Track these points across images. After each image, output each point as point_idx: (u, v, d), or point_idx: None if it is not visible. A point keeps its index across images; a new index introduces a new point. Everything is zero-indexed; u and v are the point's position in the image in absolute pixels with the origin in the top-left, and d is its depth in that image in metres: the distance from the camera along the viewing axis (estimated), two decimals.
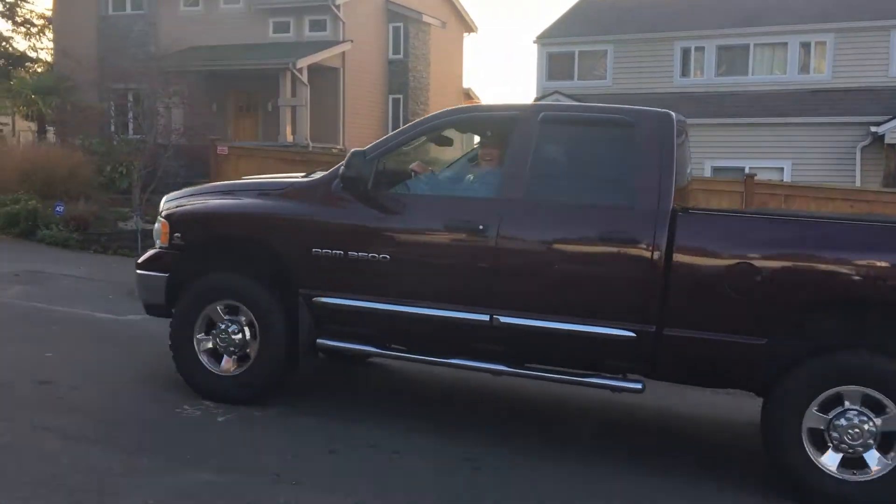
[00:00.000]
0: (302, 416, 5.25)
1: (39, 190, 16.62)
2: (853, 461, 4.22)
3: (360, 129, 24.47)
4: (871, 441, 4.18)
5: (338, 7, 23.38)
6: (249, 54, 22.79)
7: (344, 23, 23.67)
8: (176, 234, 5.51)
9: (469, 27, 31.06)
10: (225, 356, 5.35)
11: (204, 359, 5.38)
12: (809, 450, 4.28)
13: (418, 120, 5.74)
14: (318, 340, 5.20)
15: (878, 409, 4.17)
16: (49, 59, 26.95)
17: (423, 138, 5.74)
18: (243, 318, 5.30)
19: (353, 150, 5.10)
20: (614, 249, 4.61)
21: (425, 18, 26.75)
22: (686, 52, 21.70)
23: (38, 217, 15.15)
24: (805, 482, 4.29)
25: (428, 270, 4.96)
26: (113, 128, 23.50)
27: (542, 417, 5.82)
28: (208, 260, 5.55)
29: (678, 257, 4.48)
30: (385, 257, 4.96)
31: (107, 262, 13.32)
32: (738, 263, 4.40)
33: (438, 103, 27.81)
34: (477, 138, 5.86)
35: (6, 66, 25.95)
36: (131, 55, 23.60)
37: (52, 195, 16.48)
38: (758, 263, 4.36)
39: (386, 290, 4.97)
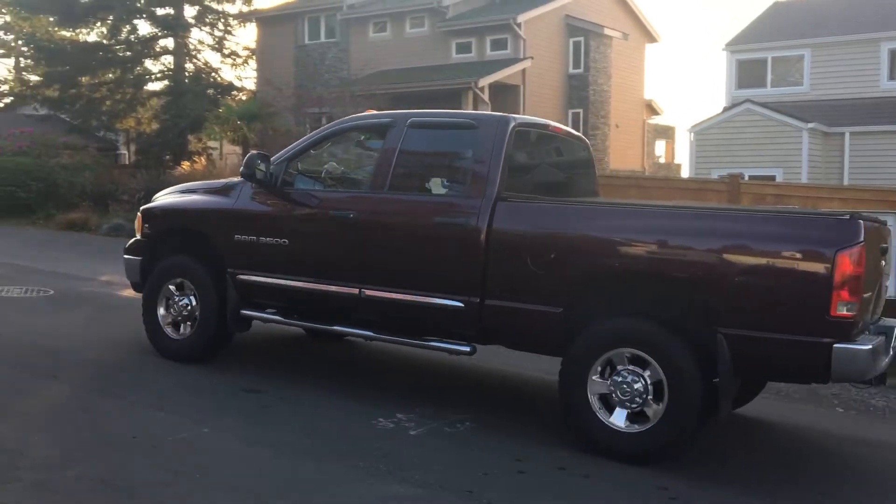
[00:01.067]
0: (490, 431, 5.29)
1: None
2: (635, 415, 4.83)
3: None
4: (646, 394, 4.77)
5: (519, 25, 23.59)
6: (433, 76, 23.48)
7: (525, 40, 23.83)
8: (146, 226, 6.93)
9: (651, 37, 30.30)
10: (182, 324, 6.60)
11: (167, 328, 6.66)
12: (596, 409, 4.92)
13: (317, 130, 6.69)
14: (242, 311, 6.30)
15: (645, 365, 4.78)
16: (252, 87, 29.10)
17: (328, 144, 6.61)
18: (191, 294, 6.53)
19: (251, 152, 6.30)
20: (450, 233, 5.50)
21: (606, 31, 26.39)
22: (894, 54, 19.98)
23: None
24: (594, 438, 4.93)
25: (313, 252, 6.05)
26: None
27: (724, 445, 5.51)
28: (166, 246, 6.82)
29: (494, 238, 5.29)
30: (284, 241, 6.10)
31: None
32: (536, 243, 5.23)
33: (620, 116, 27.31)
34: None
35: (215, 95, 28.27)
36: (325, 81, 25.06)
37: None
38: (551, 243, 5.16)
39: (286, 268, 6.11)
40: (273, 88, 23.57)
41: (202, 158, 27.34)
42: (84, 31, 28.68)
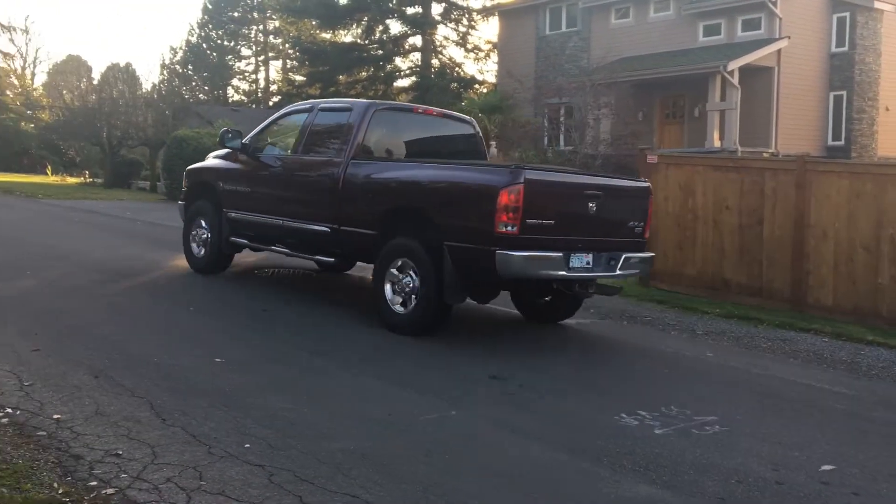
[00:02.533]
0: (741, 436, 5.00)
1: None
2: (405, 302, 7.13)
3: (794, 131, 22.71)
4: (412, 288, 7.02)
5: (774, 3, 21.99)
6: (678, 60, 22.58)
7: (780, 19, 22.18)
8: (185, 181, 10.32)
9: None
10: (202, 247, 9.67)
11: (194, 248, 9.80)
12: (389, 299, 7.23)
13: (272, 115, 9.94)
14: (231, 238, 9.27)
15: (410, 269, 7.04)
16: (493, 80, 29.75)
17: (278, 123, 9.47)
18: (206, 226, 9.59)
19: (222, 129, 9.97)
20: (324, 181, 8.10)
21: (877, 4, 23.82)
22: None
23: None
24: (387, 317, 7.28)
25: (260, 196, 8.94)
26: (546, 140, 25.09)
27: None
28: (195, 194, 9.98)
29: (344, 185, 7.79)
30: (248, 188, 9.15)
31: None
32: (363, 187, 7.67)
33: (892, 98, 24.60)
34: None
35: (458, 89, 29.29)
36: (565, 71, 24.99)
37: None
38: (370, 186, 7.63)
39: (249, 207, 9.00)
40: (514, 80, 23.91)
41: None
42: (342, 32, 30.89)
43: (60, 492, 3.59)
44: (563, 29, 26.67)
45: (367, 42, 29.82)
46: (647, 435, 4.98)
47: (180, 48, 48.65)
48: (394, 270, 7.18)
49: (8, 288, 8.48)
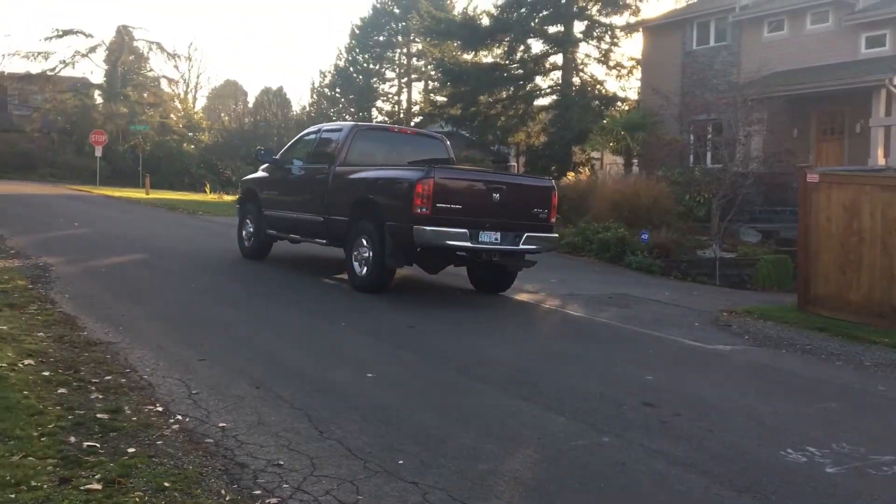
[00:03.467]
0: None
1: (626, 219, 17.97)
2: (363, 268, 9.90)
3: None
4: (368, 257, 9.76)
5: None
6: (837, 74, 21.30)
7: None
8: (239, 190, 13.79)
9: None
10: (249, 239, 12.63)
11: (244, 240, 12.74)
12: (356, 267, 9.97)
13: (295, 137, 13.06)
14: (267, 231, 12.04)
15: (366, 243, 9.80)
16: (636, 97, 29.15)
17: (301, 143, 12.34)
18: (251, 223, 12.55)
19: (258, 147, 13.65)
20: (320, 183, 10.85)
21: None
22: None
23: (625, 244, 16.37)
24: (352, 280, 10.11)
25: (283, 197, 11.82)
26: (692, 158, 24.28)
27: None
28: (246, 199, 12.94)
29: (331, 185, 10.61)
30: (276, 192, 12.07)
31: (688, 289, 13.69)
32: (342, 186, 10.46)
33: None
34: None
35: (599, 107, 28.87)
36: (713, 86, 24.14)
37: (638, 223, 17.65)
38: (345, 185, 10.43)
39: (277, 206, 11.86)
40: (659, 97, 23.31)
41: (585, 169, 28.07)
42: (484, 53, 31.20)
43: (228, 499, 3.74)
44: (712, 43, 25.77)
45: (507, 62, 29.98)
46: (818, 474, 4.65)
47: (329, 72, 50.72)
48: (358, 246, 9.96)
49: (177, 299, 9.03)
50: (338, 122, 15.60)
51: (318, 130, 12.06)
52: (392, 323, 8.40)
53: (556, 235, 10.75)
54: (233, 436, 4.56)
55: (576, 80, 29.66)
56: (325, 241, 10.87)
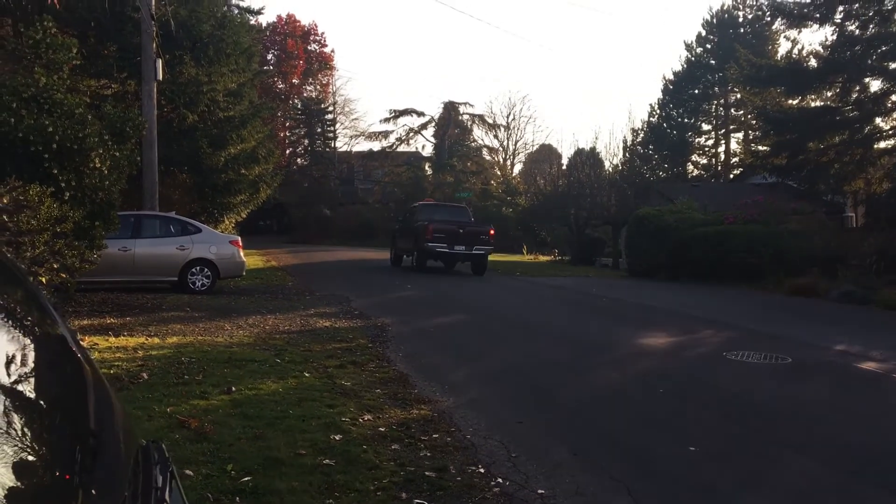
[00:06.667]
0: None
1: None
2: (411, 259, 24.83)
3: None
4: (411, 256, 25.00)
5: None
6: None
7: None
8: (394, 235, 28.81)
9: None
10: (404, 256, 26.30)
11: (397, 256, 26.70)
12: (405, 260, 25.82)
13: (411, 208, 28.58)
14: (404, 256, 25.91)
15: (413, 251, 24.94)
16: None
17: (413, 211, 26.75)
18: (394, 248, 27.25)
19: (418, 204, 28.79)
20: (416, 229, 24.50)
21: None
22: None
23: None
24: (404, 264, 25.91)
25: (405, 237, 25.32)
26: None
27: None
28: (404, 233, 25.83)
29: (417, 231, 24.07)
30: (406, 235, 25.24)
31: None
32: (414, 228, 24.25)
33: None
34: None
35: None
36: None
37: None
38: (414, 228, 24.34)
39: (404, 244, 25.52)
40: None
41: None
42: (812, 97, 28.97)
43: None
44: None
45: (840, 104, 27.46)
46: None
47: (642, 129, 50.48)
48: (407, 254, 24.70)
49: (498, 359, 9.37)
50: (420, 202, 30.18)
51: (414, 208, 26.71)
52: (715, 389, 7.89)
53: (492, 246, 23.36)
54: None
55: None
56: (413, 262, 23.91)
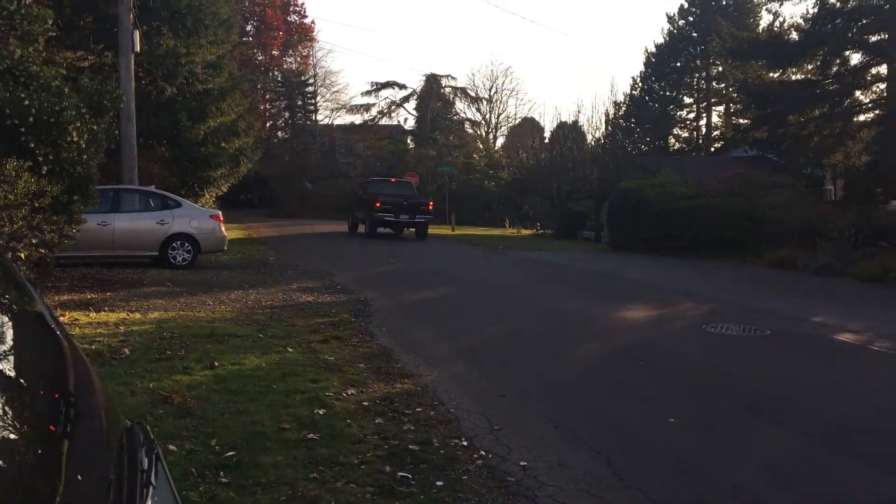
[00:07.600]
0: None
1: None
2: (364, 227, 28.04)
3: None
4: (364, 223, 27.82)
5: None
6: None
7: None
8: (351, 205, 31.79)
9: None
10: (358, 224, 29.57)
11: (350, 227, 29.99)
12: (358, 227, 29.10)
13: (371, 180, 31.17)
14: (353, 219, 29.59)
15: (365, 218, 27.97)
16: None
17: (369, 183, 29.43)
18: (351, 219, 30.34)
19: (370, 179, 32.00)
20: (363, 199, 28.59)
21: None
22: None
23: None
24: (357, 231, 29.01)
25: (355, 205, 29.20)
26: None
27: None
28: (359, 204, 28.95)
29: (364, 199, 28.79)
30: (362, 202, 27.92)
31: None
32: (364, 199, 27.96)
33: None
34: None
35: None
36: None
37: None
38: (364, 199, 27.97)
39: (362, 213, 27.81)
40: None
41: None
42: (792, 70, 29.03)
43: None
44: None
45: (821, 77, 27.52)
46: None
47: (624, 102, 50.40)
48: (361, 222, 27.70)
49: (480, 335, 9.41)
50: (374, 178, 32.26)
51: (369, 180, 29.68)
52: (695, 364, 7.98)
53: (431, 216, 26.82)
54: (533, 476, 4.58)
55: None
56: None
